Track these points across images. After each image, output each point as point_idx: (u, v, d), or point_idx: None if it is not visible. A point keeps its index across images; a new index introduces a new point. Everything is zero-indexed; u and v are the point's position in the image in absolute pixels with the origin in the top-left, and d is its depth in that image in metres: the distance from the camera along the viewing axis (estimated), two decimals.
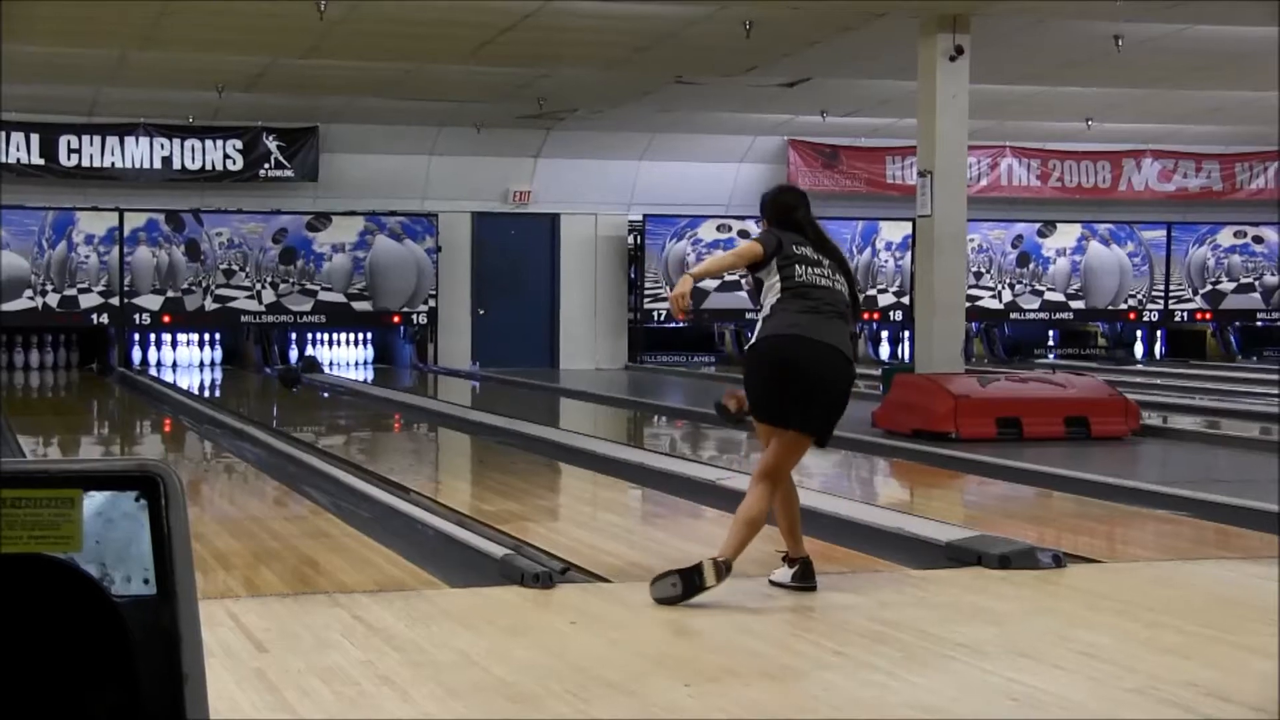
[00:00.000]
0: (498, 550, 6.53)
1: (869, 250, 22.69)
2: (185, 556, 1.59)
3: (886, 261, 22.67)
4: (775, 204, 6.46)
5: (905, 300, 21.63)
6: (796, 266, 6.10)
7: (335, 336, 21.56)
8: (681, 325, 22.25)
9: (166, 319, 20.39)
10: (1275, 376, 18.64)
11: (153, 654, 1.54)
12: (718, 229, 22.08)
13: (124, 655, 1.49)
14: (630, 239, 22.19)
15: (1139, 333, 23.83)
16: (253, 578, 6.38)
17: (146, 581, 1.56)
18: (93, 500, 1.54)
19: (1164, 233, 23.35)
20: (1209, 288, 23.61)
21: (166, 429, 14.36)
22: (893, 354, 22.70)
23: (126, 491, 1.56)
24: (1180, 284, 23.46)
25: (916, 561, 6.61)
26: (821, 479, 10.64)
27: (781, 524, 6.08)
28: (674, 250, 22.02)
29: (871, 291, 22.60)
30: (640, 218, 21.98)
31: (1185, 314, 23.57)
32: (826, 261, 6.19)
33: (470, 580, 6.20)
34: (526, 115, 19.38)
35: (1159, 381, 17.67)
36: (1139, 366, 21.62)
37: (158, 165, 20.29)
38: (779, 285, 6.08)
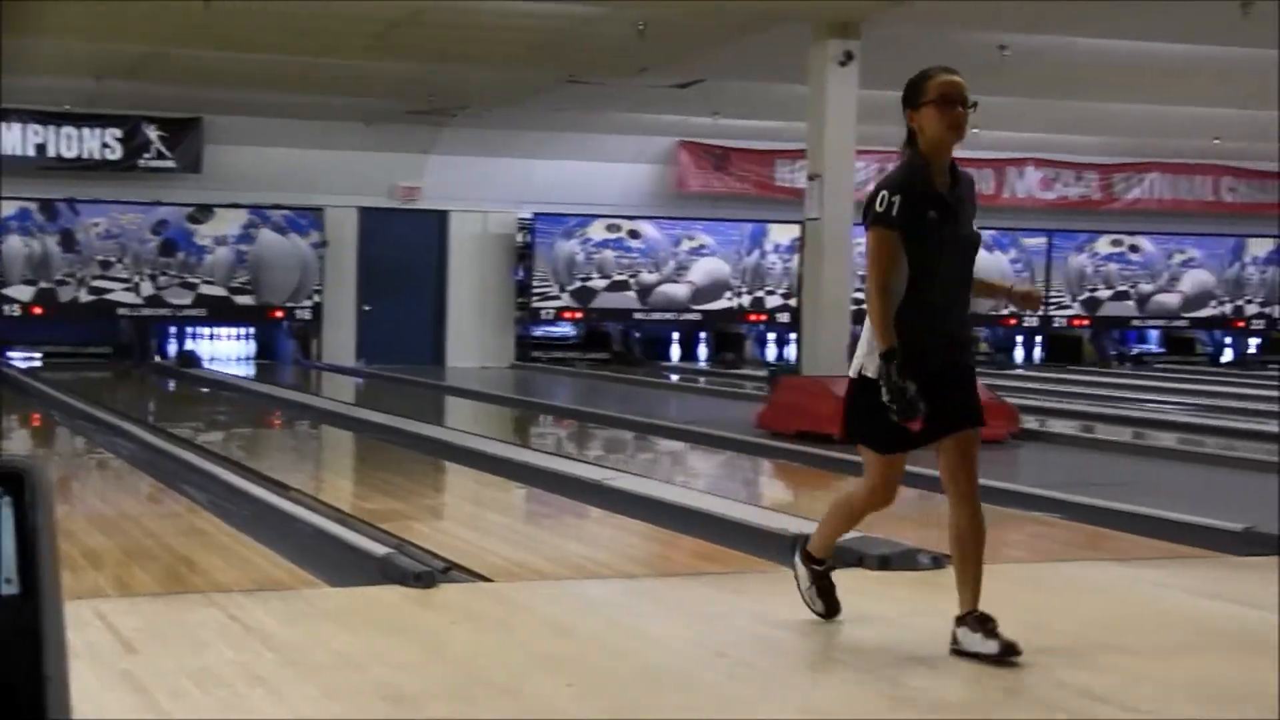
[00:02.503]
0: (379, 549, 6.46)
1: (757, 252, 22.79)
2: (50, 555, 1.56)
3: (774, 264, 22.81)
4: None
5: (792, 302, 21.76)
6: (944, 222, 5.08)
7: (216, 331, 21.31)
8: (567, 323, 22.27)
9: (38, 310, 20.02)
10: (1147, 382, 18.99)
11: (14, 655, 1.51)
12: (607, 228, 22.11)
13: None
14: (520, 237, 22.14)
15: (1018, 338, 24.17)
16: (124, 577, 6.27)
17: (9, 581, 1.53)
18: None
19: (1044, 240, 23.70)
20: (1087, 294, 24.00)
21: (35, 424, 14.09)
22: (779, 356, 22.83)
23: None
24: (1059, 290, 23.82)
25: None
26: (706, 480, 10.69)
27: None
28: (563, 249, 22.00)
29: (759, 293, 22.72)
30: (530, 216, 21.93)
31: (1063, 320, 23.95)
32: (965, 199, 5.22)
33: (351, 580, 6.12)
34: (417, 111, 19.27)
35: (1037, 386, 17.92)
36: (1018, 371, 21.92)
37: (31, 153, 19.91)
38: (912, 257, 5.00)
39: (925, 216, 4.86)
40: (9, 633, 1.51)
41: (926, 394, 4.82)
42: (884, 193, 4.88)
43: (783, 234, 22.43)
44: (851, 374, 5.11)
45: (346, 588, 5.99)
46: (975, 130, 18.85)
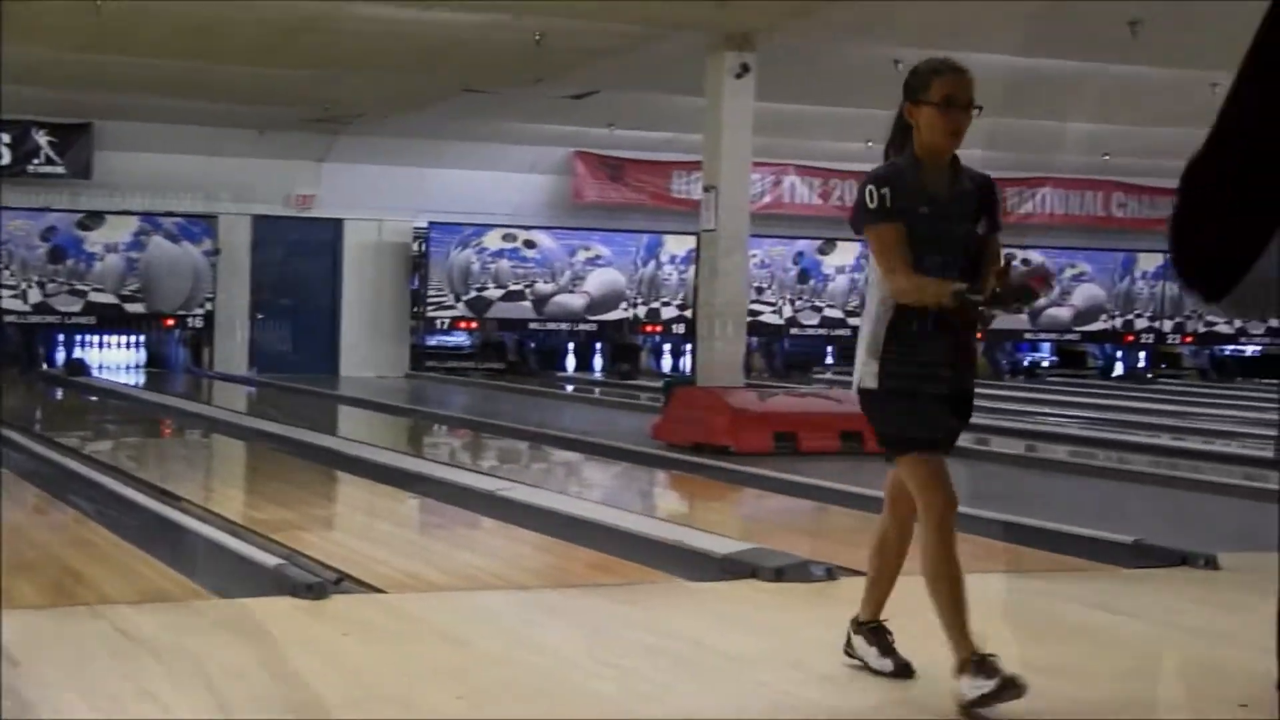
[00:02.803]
0: (270, 560, 6.39)
1: (653, 263, 22.83)
2: None
3: (670, 275, 22.85)
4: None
5: (688, 314, 21.80)
6: (932, 219, 4.82)
7: (105, 339, 21.00)
8: (462, 333, 22.20)
9: None
10: (1040, 395, 19.23)
11: None
12: (503, 238, 22.05)
13: None
14: (415, 246, 22.02)
15: None
16: (8, 589, 6.14)
17: None
18: None
19: None
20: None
21: None
22: (674, 367, 22.87)
23: None
24: None
25: (693, 574, 6.63)
26: (601, 491, 10.68)
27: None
28: (458, 258, 21.91)
29: (655, 305, 22.75)
30: (426, 225, 21.82)
31: None
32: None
33: (241, 591, 6.04)
34: (312, 119, 19.12)
35: None
36: None
37: None
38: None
39: (915, 213, 4.53)
40: None
41: (936, 406, 4.68)
42: (871, 187, 4.56)
43: (679, 245, 22.49)
44: (854, 391, 4.82)
45: (237, 599, 5.91)
46: (869, 143, 18.94)
